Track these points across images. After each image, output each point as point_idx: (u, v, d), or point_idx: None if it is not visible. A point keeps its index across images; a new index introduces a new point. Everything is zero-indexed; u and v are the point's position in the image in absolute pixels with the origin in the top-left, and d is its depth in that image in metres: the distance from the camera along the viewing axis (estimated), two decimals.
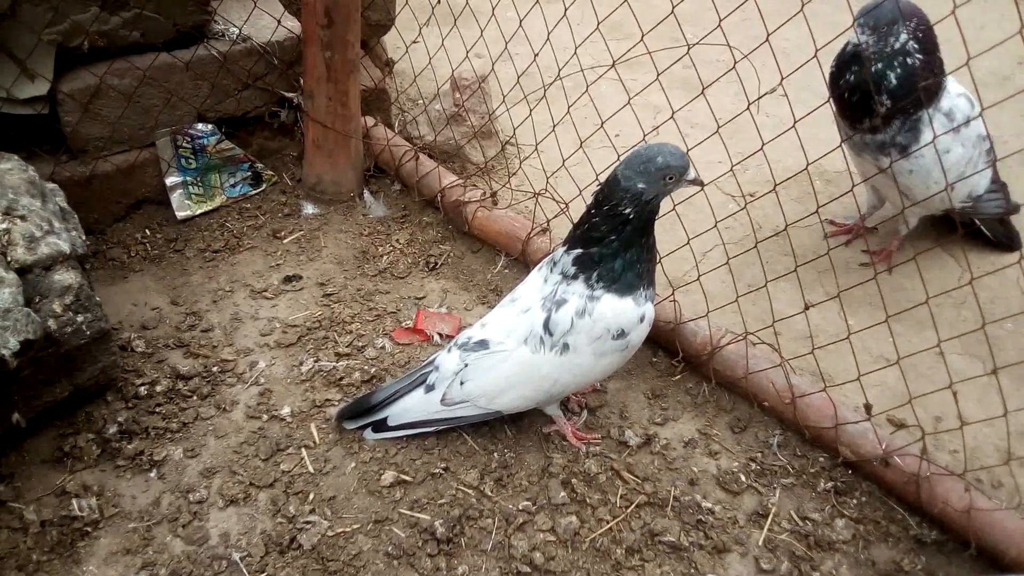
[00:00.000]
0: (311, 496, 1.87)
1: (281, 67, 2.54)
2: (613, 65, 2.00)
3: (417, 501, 1.85)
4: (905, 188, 2.21)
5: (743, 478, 1.90)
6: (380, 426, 1.96)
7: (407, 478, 1.90)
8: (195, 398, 2.09)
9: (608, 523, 1.80)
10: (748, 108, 1.79)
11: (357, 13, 2.39)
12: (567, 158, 2.31)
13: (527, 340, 1.79)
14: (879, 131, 2.14)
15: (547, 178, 2.35)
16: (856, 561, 1.73)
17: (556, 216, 2.36)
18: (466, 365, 1.85)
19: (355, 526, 1.80)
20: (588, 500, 1.85)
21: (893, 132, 2.13)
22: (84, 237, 1.97)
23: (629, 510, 1.83)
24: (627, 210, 1.67)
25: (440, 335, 2.24)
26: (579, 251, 1.75)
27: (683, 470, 1.92)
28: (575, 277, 1.75)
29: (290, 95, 2.59)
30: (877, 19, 2.02)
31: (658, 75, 1.97)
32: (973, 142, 2.23)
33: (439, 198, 2.52)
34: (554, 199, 2.36)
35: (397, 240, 2.56)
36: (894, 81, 2.07)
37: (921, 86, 2.05)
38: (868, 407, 1.82)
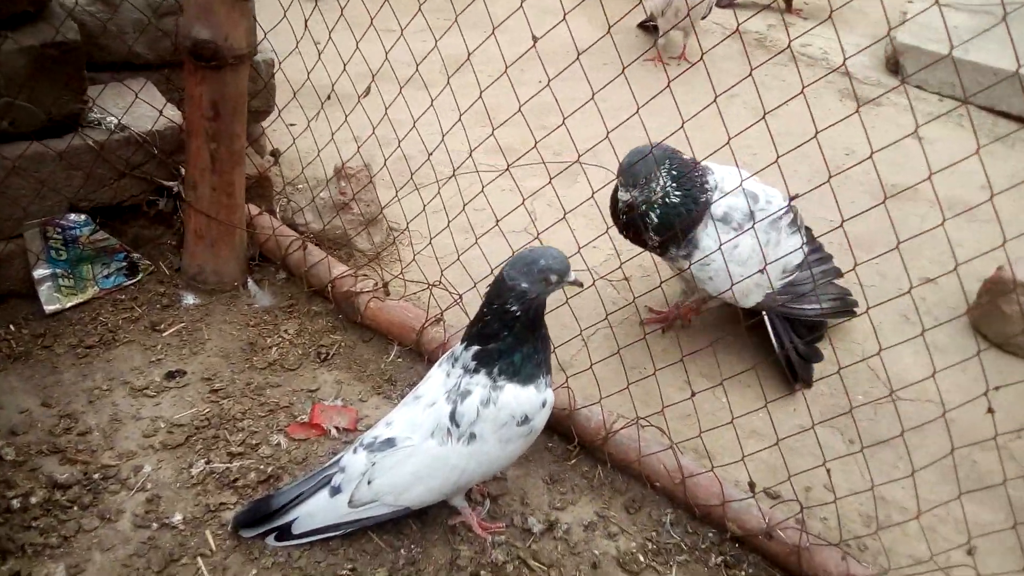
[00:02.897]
0: None
1: (161, 156, 2.48)
2: (507, 169, 2.11)
3: None
4: (704, 285, 2.44)
5: (642, 558, 2.00)
6: (284, 534, 1.91)
7: None
8: (76, 508, 1.97)
9: None
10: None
11: (244, 106, 2.39)
12: (462, 253, 2.39)
13: (434, 433, 1.83)
14: (664, 254, 2.44)
15: (441, 271, 2.42)
16: None
17: (449, 307, 2.42)
18: (373, 464, 1.86)
19: None
20: None
21: (673, 253, 2.41)
22: None
23: None
24: (514, 307, 1.79)
25: (337, 428, 2.22)
26: (477, 347, 1.84)
27: (585, 554, 2.00)
28: (476, 371, 1.84)
29: (169, 184, 2.53)
30: (635, 176, 2.26)
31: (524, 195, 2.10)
32: (764, 228, 2.40)
33: (329, 288, 2.52)
34: (448, 291, 2.42)
35: (286, 331, 2.53)
36: (656, 220, 2.33)
37: (677, 224, 2.31)
38: (752, 485, 1.98)
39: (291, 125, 3.11)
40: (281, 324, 2.56)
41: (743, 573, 1.98)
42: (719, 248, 2.19)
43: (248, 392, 2.32)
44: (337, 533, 1.93)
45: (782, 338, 2.50)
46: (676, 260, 2.44)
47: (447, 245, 2.48)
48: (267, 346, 2.47)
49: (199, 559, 1.89)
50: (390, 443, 1.86)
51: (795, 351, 2.49)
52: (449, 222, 2.38)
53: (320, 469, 1.97)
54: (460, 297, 2.40)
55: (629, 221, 2.37)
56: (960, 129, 4.18)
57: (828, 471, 1.85)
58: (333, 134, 2.62)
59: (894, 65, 4.69)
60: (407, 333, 2.41)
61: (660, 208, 2.31)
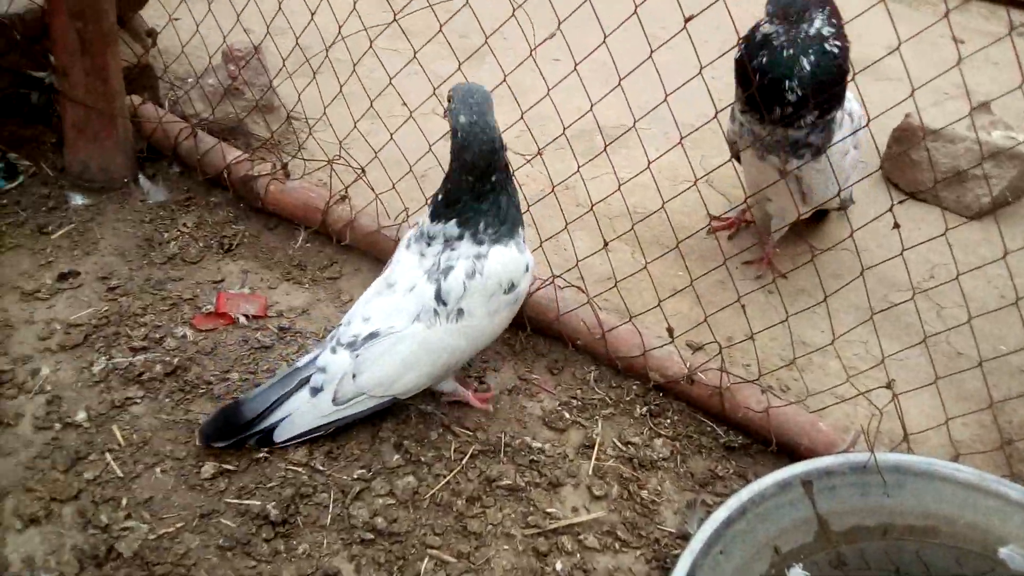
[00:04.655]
0: (124, 501, 1.73)
1: (24, 42, 2.26)
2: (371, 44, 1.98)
3: (244, 488, 1.77)
4: (808, 189, 2.15)
5: (567, 415, 1.98)
6: (266, 440, 1.81)
7: (229, 467, 1.81)
8: None
9: (445, 477, 1.82)
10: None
11: None
12: (358, 120, 2.27)
13: (419, 316, 1.76)
14: (793, 125, 1.99)
15: (340, 143, 2.29)
16: (677, 475, 1.87)
17: (353, 183, 2.32)
18: (357, 356, 1.78)
19: (179, 524, 1.70)
20: (423, 459, 1.85)
21: (807, 131, 2.00)
22: None
23: (464, 461, 1.85)
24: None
25: (246, 316, 2.13)
26: (453, 212, 1.75)
27: (510, 416, 1.97)
28: (460, 237, 1.76)
29: (39, 74, 2.33)
30: (786, 6, 1.88)
31: (415, 53, 2.02)
32: (863, 142, 2.22)
33: (226, 175, 2.38)
34: (349, 165, 2.30)
35: (184, 224, 2.39)
36: (807, 68, 1.92)
37: (830, 81, 1.92)
38: (670, 330, 1.96)
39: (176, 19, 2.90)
40: (179, 218, 2.42)
41: (668, 421, 1.98)
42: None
43: (148, 288, 2.20)
44: (321, 433, 1.84)
45: None
46: (800, 151, 2.03)
47: (347, 126, 2.34)
48: (165, 241, 2.34)
49: (107, 455, 1.81)
50: (373, 336, 1.78)
51: None
52: (341, 87, 2.24)
53: (291, 371, 1.86)
54: (363, 170, 2.29)
55: (770, 65, 1.92)
56: None
57: (744, 307, 1.84)
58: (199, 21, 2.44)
59: None
60: (312, 214, 2.31)
61: (814, 55, 1.89)
